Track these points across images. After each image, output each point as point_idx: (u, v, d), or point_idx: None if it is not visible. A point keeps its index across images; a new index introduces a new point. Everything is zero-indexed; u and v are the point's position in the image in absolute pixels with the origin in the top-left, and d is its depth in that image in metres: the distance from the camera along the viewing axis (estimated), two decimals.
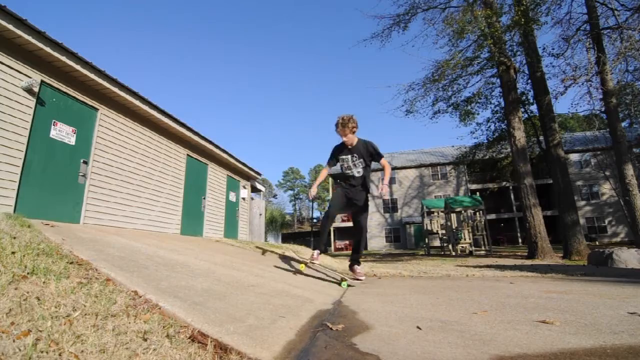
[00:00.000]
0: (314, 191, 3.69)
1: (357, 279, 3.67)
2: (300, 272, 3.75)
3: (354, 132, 3.61)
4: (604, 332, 1.54)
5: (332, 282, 3.71)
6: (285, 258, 4.91)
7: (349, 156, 3.67)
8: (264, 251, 6.19)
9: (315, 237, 39.77)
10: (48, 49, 4.63)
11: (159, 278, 2.16)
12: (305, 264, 3.81)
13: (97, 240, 3.27)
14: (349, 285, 3.56)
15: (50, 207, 4.84)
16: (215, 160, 9.82)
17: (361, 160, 3.64)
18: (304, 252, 8.85)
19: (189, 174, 8.39)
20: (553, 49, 15.67)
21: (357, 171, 3.67)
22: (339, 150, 3.73)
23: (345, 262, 7.64)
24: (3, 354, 0.94)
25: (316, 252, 3.66)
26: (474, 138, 16.04)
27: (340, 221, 34.40)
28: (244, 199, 11.68)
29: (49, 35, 4.58)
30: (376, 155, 3.64)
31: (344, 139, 3.59)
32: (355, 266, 3.77)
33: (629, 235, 24.06)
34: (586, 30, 12.20)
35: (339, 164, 3.77)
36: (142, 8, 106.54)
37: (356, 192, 3.66)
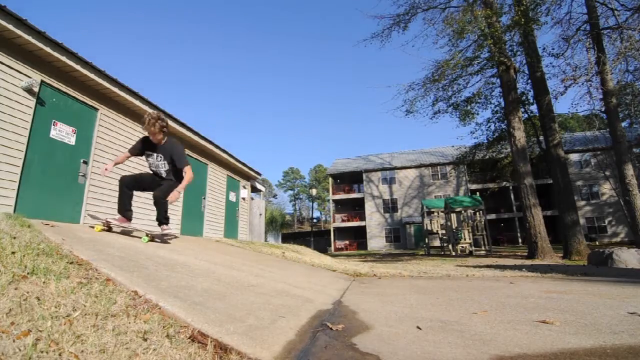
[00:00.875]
0: (109, 167, 3.74)
1: (165, 234, 4.10)
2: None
3: (163, 132, 3.70)
4: (604, 332, 1.54)
5: (137, 237, 3.98)
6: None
7: (155, 154, 3.82)
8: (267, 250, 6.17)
9: (316, 236, 39.50)
10: (48, 49, 4.63)
11: (159, 278, 2.16)
12: (103, 224, 3.90)
13: (97, 240, 3.27)
14: (150, 241, 3.83)
15: (50, 207, 4.84)
16: (215, 160, 9.82)
17: (165, 162, 3.80)
18: (304, 252, 8.86)
19: None
20: (553, 49, 15.73)
21: (161, 172, 3.88)
22: (147, 145, 3.82)
23: (345, 262, 7.65)
24: (3, 354, 0.94)
25: (118, 216, 3.95)
26: (474, 138, 16.05)
27: (341, 221, 34.42)
28: (244, 199, 11.68)
29: (49, 35, 4.58)
30: (177, 162, 3.76)
31: (153, 140, 3.70)
32: (163, 225, 4.13)
33: (629, 235, 24.04)
34: (586, 30, 12.20)
35: (146, 158, 3.93)
36: (142, 8, 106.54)
37: (160, 181, 3.92)
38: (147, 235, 3.88)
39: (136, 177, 4.06)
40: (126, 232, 4.17)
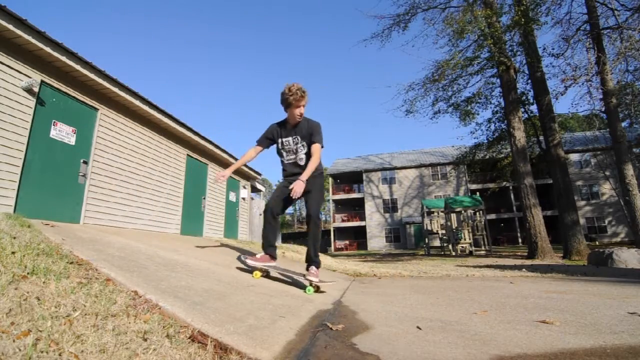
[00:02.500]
0: (227, 173, 3.02)
1: (310, 279, 2.80)
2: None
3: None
4: (604, 332, 1.54)
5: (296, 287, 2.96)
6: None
7: (290, 138, 2.99)
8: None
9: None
10: (48, 49, 4.63)
11: (159, 278, 2.16)
12: (260, 270, 3.04)
13: (97, 240, 3.27)
14: (315, 291, 2.81)
15: (50, 207, 4.84)
16: (215, 160, 9.82)
17: (304, 143, 2.98)
18: (303, 251, 8.85)
19: (189, 174, 8.40)
20: (553, 49, 15.74)
21: (300, 157, 3.00)
22: (278, 131, 3.03)
23: (345, 262, 7.63)
24: (3, 354, 0.93)
25: (259, 254, 2.98)
26: (474, 138, 16.06)
27: (341, 221, 34.41)
28: (244, 199, 11.68)
29: (49, 35, 4.58)
30: (315, 137, 2.92)
31: (297, 115, 2.90)
32: (312, 267, 2.91)
33: (629, 235, 24.06)
34: (586, 30, 12.21)
35: (280, 147, 3.08)
36: (142, 7, 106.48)
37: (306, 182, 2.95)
38: (311, 285, 2.80)
39: (281, 196, 3.00)
40: (281, 279, 3.19)
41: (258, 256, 2.97)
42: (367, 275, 4.89)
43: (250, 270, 3.12)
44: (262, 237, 3.02)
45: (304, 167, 2.93)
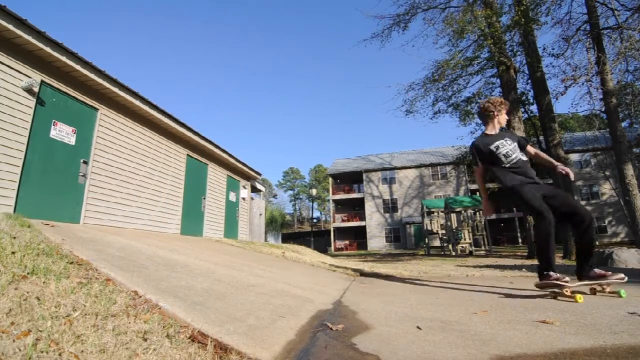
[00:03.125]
0: (487, 203, 3.16)
1: (620, 276, 2.44)
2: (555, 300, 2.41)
3: None
4: (604, 332, 1.54)
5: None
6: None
7: (503, 140, 2.95)
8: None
9: (316, 236, 39.34)
10: (48, 49, 4.63)
11: (159, 278, 2.16)
12: (566, 291, 2.45)
13: (97, 240, 3.28)
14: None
15: (50, 207, 4.84)
16: (215, 160, 9.82)
17: (516, 143, 2.97)
18: (304, 251, 8.86)
19: (189, 174, 8.40)
20: (553, 49, 15.67)
21: (522, 153, 2.93)
22: (485, 143, 3.01)
23: (345, 262, 7.62)
24: (3, 354, 0.93)
25: (555, 275, 2.46)
26: (474, 138, 15.98)
27: (341, 221, 34.41)
28: (244, 199, 11.68)
29: (49, 35, 4.59)
30: (524, 139, 3.03)
31: (505, 118, 3.10)
32: (594, 270, 2.56)
33: (629, 235, 24.05)
34: (586, 30, 12.19)
35: (496, 157, 2.97)
36: (143, 10, 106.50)
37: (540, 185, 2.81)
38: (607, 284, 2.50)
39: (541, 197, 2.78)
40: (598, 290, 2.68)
41: (554, 276, 2.47)
42: (368, 275, 4.89)
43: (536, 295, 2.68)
44: (548, 254, 2.59)
45: (527, 163, 2.91)
